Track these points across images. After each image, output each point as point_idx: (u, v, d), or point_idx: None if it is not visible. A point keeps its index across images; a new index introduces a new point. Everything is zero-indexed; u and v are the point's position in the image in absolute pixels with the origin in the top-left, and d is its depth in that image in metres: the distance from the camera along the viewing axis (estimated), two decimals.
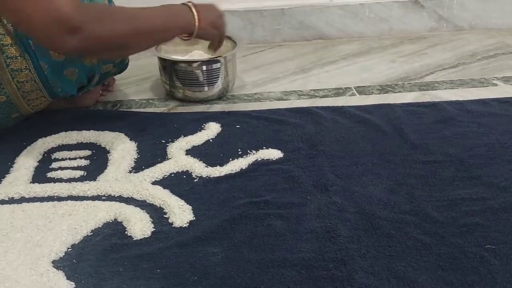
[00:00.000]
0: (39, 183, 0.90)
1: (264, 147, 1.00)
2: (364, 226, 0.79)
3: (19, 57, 0.95)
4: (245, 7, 1.50)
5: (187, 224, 0.81)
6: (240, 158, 0.97)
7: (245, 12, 1.50)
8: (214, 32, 1.05)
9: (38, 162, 0.97)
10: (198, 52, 1.22)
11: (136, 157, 0.97)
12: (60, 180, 0.91)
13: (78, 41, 0.81)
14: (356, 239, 0.76)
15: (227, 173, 0.93)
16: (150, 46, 1.00)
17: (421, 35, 1.56)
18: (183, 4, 1.00)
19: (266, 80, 1.32)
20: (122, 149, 0.99)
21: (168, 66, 1.17)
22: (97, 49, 0.88)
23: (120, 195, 0.87)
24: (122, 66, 1.12)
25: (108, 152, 0.99)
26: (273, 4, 1.50)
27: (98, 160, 0.97)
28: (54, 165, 0.96)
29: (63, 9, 0.79)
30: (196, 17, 0.99)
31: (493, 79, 1.27)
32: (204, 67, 1.15)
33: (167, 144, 1.01)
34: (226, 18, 1.10)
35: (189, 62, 1.16)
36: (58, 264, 0.73)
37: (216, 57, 1.16)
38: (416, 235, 0.76)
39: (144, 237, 0.78)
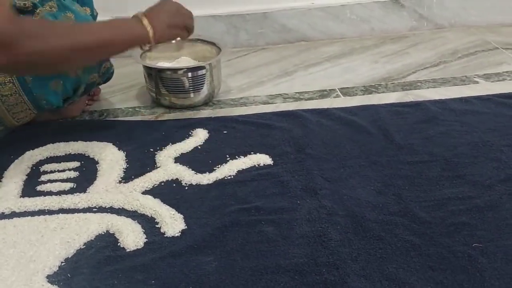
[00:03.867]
0: (29, 197, 0.90)
1: (252, 152, 1.01)
2: (355, 229, 0.80)
3: None
4: (228, 11, 1.50)
5: (179, 233, 0.81)
6: (228, 164, 0.97)
7: (228, 16, 1.50)
8: (174, 32, 1.03)
9: (26, 175, 0.96)
10: (185, 59, 1.23)
11: (125, 166, 0.98)
12: (50, 193, 0.91)
13: (7, 57, 0.78)
14: (347, 242, 0.77)
15: (217, 180, 0.93)
16: (95, 60, 0.98)
17: (402, 34, 1.58)
18: (134, 15, 0.98)
19: (251, 84, 1.33)
20: (110, 159, 0.99)
21: (153, 74, 1.17)
22: (30, 66, 0.84)
23: (111, 206, 0.87)
24: (107, 75, 1.12)
25: (97, 162, 0.99)
26: (255, 8, 1.51)
27: (87, 171, 0.97)
28: (43, 177, 0.95)
29: None
30: (148, 27, 0.96)
31: (474, 77, 1.30)
32: (190, 74, 1.16)
33: (156, 152, 1.02)
34: (182, 8, 1.07)
35: (175, 70, 1.17)
36: (52, 279, 0.73)
37: (201, 64, 1.17)
38: (405, 236, 0.78)
39: (137, 248, 0.78)
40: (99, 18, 1.18)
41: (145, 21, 0.96)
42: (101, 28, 0.94)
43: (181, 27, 1.05)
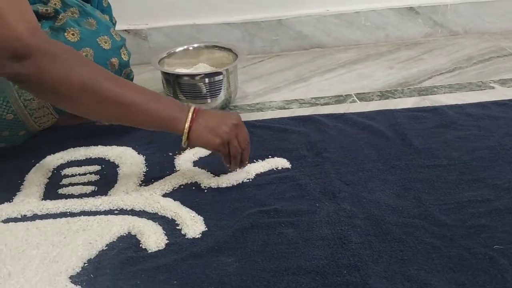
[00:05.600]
0: (51, 199, 0.91)
1: (270, 156, 1.01)
2: (375, 232, 0.80)
3: None
4: (243, 19, 1.52)
5: (200, 235, 0.82)
6: (247, 167, 0.98)
7: (243, 24, 1.52)
8: (213, 139, 0.87)
9: (48, 179, 0.98)
10: (203, 65, 1.24)
11: (145, 170, 0.99)
12: (71, 196, 0.92)
13: (20, 67, 0.75)
14: (367, 244, 0.78)
15: (235, 183, 0.94)
16: (107, 118, 0.89)
17: (417, 41, 1.59)
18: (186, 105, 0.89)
19: (267, 89, 1.34)
20: (131, 163, 1.00)
21: (171, 80, 1.18)
22: (39, 86, 0.78)
23: (132, 209, 0.88)
24: None
25: (117, 166, 1.00)
26: (270, 15, 1.53)
27: (107, 175, 0.98)
28: (64, 181, 0.97)
29: (16, 31, 0.74)
30: (189, 117, 0.85)
31: (490, 82, 1.30)
32: (207, 80, 1.17)
33: (175, 156, 1.03)
34: (242, 124, 0.93)
35: (192, 75, 1.18)
36: (75, 279, 0.74)
37: (219, 69, 1.18)
38: (426, 238, 0.78)
39: (159, 249, 0.79)
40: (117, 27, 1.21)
41: (190, 114, 0.85)
42: (144, 92, 0.84)
43: (223, 137, 0.88)
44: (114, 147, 1.06)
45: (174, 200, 0.90)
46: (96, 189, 0.94)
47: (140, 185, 0.95)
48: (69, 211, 0.88)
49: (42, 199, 0.92)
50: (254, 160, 1.00)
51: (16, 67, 0.75)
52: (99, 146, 1.06)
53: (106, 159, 1.03)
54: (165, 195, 0.91)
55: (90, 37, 1.01)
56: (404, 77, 1.36)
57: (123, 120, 0.86)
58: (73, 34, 0.99)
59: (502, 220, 0.81)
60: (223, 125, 0.88)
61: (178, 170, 0.98)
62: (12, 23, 0.73)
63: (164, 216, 0.86)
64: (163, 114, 0.84)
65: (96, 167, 1.00)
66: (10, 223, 0.86)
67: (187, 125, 0.85)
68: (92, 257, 0.78)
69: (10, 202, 0.92)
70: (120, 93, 0.81)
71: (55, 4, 1.02)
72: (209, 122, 0.87)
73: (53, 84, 0.77)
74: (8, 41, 0.74)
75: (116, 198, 0.90)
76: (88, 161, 1.03)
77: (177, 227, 0.84)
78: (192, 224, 0.84)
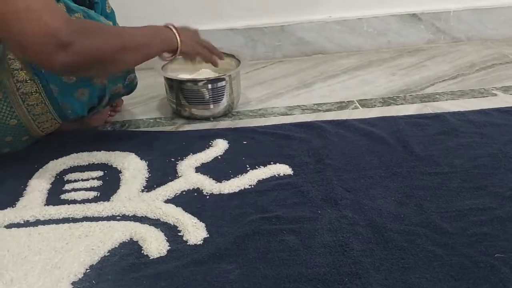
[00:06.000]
0: (53, 205, 0.92)
1: (272, 162, 1.02)
2: (376, 239, 0.80)
3: (29, 81, 0.97)
4: (246, 25, 1.53)
5: (202, 241, 0.82)
6: (249, 174, 0.98)
7: (246, 29, 1.53)
8: (197, 46, 1.11)
9: (51, 184, 0.98)
10: (205, 71, 1.24)
11: (147, 176, 0.99)
12: (74, 201, 0.93)
13: (68, 56, 0.83)
14: (369, 252, 0.78)
15: (237, 189, 0.94)
16: (136, 63, 1.02)
17: (419, 47, 1.59)
18: (165, 25, 1.06)
19: (269, 95, 1.34)
20: (133, 168, 1.00)
21: (174, 85, 1.19)
22: (87, 64, 0.88)
23: (134, 215, 0.88)
24: (131, 86, 1.14)
25: (120, 172, 1.01)
26: (273, 22, 1.53)
27: (110, 181, 0.98)
28: (67, 186, 0.97)
29: (52, 24, 0.81)
30: (176, 34, 1.04)
31: (493, 89, 1.30)
32: (210, 86, 1.17)
33: (177, 162, 1.03)
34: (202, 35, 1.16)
35: (195, 81, 1.18)
36: (77, 285, 0.74)
37: (221, 75, 1.18)
38: (428, 246, 0.78)
39: (160, 256, 0.79)
40: None
41: (174, 30, 1.05)
42: (143, 30, 1.01)
43: (203, 45, 1.13)
44: (117, 152, 1.06)
45: (176, 206, 0.90)
46: (98, 195, 0.94)
47: (143, 191, 0.95)
48: (72, 217, 0.88)
49: (45, 205, 0.92)
50: (256, 167, 1.00)
51: (63, 56, 0.83)
52: (102, 151, 1.06)
53: (109, 164, 1.03)
54: (167, 201, 0.92)
55: None
56: (406, 83, 1.36)
57: (143, 59, 1.01)
58: None
59: (503, 229, 0.81)
60: (196, 34, 1.14)
61: (180, 176, 0.99)
62: (49, 20, 0.81)
63: (166, 222, 0.86)
64: (163, 41, 1.03)
65: (99, 173, 1.01)
66: (13, 228, 0.86)
67: (179, 38, 1.04)
68: (94, 263, 0.78)
69: (13, 207, 0.92)
70: (142, 41, 0.98)
71: None
72: (189, 34, 1.10)
73: (98, 56, 0.88)
74: (51, 36, 0.82)
75: (118, 204, 0.90)
76: (91, 167, 1.03)
77: (179, 234, 0.84)
78: (194, 231, 0.84)
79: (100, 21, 1.03)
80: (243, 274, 0.75)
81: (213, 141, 1.10)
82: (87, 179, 0.99)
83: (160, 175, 0.99)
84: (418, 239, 0.80)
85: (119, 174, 1.00)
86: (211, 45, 1.16)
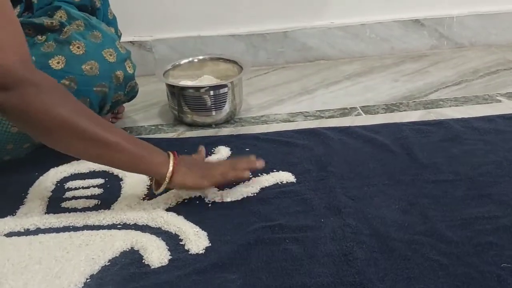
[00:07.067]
0: (54, 213, 0.91)
1: (275, 170, 1.01)
2: (380, 249, 0.79)
3: None
4: (248, 31, 1.52)
5: (203, 250, 0.81)
6: (251, 181, 0.97)
7: (248, 36, 1.52)
8: (201, 181, 0.90)
9: (51, 192, 0.97)
10: (207, 77, 1.24)
11: (148, 184, 0.98)
12: (74, 209, 0.92)
13: (5, 97, 0.74)
14: (373, 262, 0.77)
15: (240, 197, 0.93)
16: (85, 156, 0.86)
17: (422, 53, 1.59)
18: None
19: (271, 102, 1.33)
20: (134, 176, 0.99)
21: (176, 92, 1.18)
22: (20, 117, 0.78)
23: (135, 223, 0.87)
24: (132, 93, 1.13)
25: (121, 179, 1.00)
26: (275, 28, 1.53)
27: (111, 188, 0.98)
28: (68, 194, 0.96)
29: (7, 60, 0.73)
30: (171, 163, 0.87)
31: (497, 96, 1.29)
32: (212, 92, 1.17)
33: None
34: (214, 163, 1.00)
35: (197, 88, 1.18)
36: None
37: (223, 82, 1.18)
38: (432, 256, 0.77)
39: (162, 265, 0.78)
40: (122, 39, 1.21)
41: (172, 157, 0.88)
42: (113, 127, 0.86)
43: (212, 180, 0.91)
44: None
45: (178, 215, 0.89)
46: (99, 203, 0.93)
47: (144, 199, 0.94)
48: (72, 225, 0.87)
49: (45, 213, 0.91)
50: (259, 174, 0.99)
51: (0, 96, 0.74)
52: None
53: (110, 172, 1.02)
54: (168, 210, 0.91)
55: (95, 50, 1.01)
56: (410, 90, 1.35)
57: (101, 159, 0.85)
58: (78, 47, 0.99)
59: (509, 238, 0.80)
60: (212, 168, 0.93)
61: None
62: (5, 53, 0.73)
63: (168, 231, 0.86)
64: (143, 155, 0.86)
65: (100, 181, 1.00)
66: (13, 237, 0.85)
67: (169, 171, 0.86)
68: (94, 273, 0.77)
69: (13, 215, 0.91)
70: (100, 132, 0.80)
71: (60, 16, 1.02)
72: (192, 166, 0.91)
73: (34, 116, 0.77)
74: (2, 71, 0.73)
75: (119, 213, 0.90)
76: (92, 174, 1.02)
77: (181, 242, 0.83)
78: (196, 240, 0.83)
79: (101, 28, 1.03)
80: (246, 284, 0.74)
81: (215, 148, 1.10)
82: (88, 187, 0.98)
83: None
84: (422, 248, 0.79)
85: (120, 182, 0.99)
86: (232, 161, 0.97)
